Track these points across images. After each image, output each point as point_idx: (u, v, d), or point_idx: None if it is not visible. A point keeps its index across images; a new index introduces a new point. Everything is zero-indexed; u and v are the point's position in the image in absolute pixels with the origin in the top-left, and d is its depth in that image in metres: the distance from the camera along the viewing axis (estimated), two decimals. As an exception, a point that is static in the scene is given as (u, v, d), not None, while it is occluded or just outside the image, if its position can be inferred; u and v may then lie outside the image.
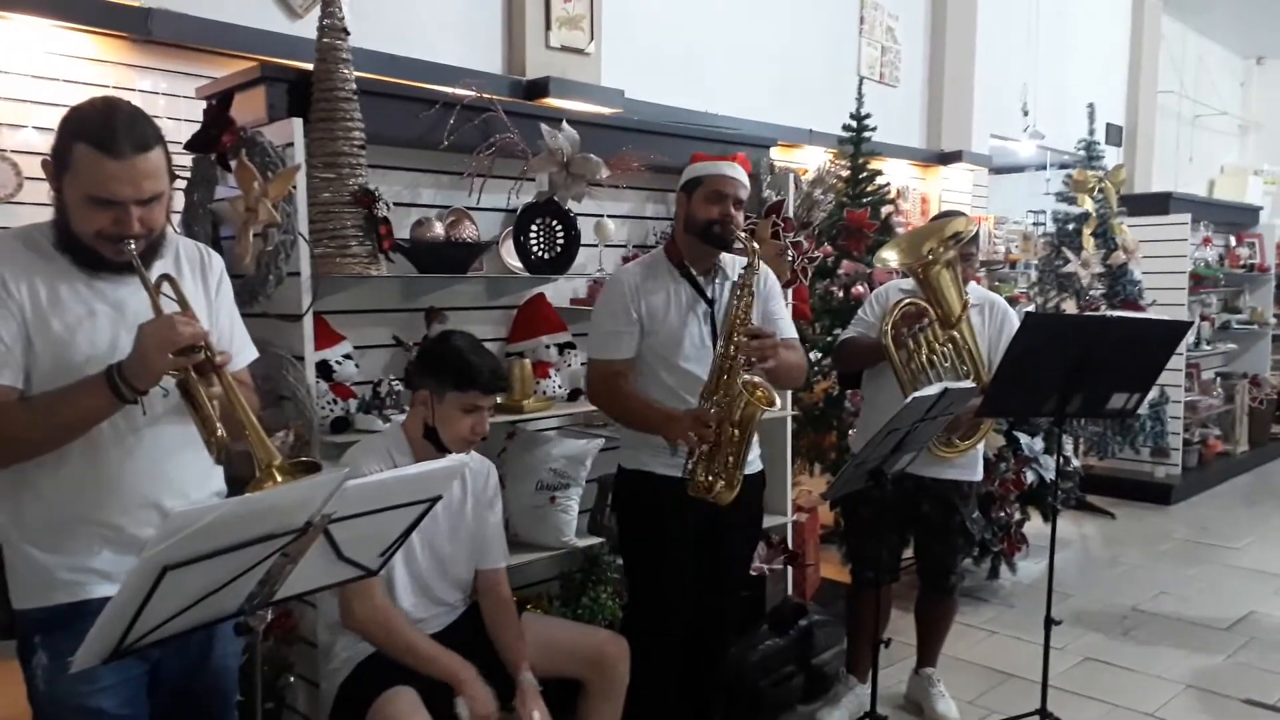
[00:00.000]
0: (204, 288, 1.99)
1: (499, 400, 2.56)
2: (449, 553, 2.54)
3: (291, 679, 2.75)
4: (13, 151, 3.24)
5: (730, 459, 2.60)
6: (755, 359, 2.57)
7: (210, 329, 1.86)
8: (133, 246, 1.75)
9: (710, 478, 2.61)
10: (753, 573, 3.72)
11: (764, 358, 2.57)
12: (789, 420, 3.92)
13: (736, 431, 2.58)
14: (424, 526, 2.39)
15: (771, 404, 2.57)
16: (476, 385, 2.39)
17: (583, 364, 3.42)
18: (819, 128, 6.17)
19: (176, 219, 2.86)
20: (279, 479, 1.71)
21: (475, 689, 2.33)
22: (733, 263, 2.83)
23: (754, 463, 2.88)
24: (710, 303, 2.76)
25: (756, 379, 2.58)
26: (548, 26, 4.81)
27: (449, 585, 2.57)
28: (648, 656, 2.69)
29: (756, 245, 2.67)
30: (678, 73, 5.57)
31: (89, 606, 1.70)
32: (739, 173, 2.77)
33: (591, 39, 4.95)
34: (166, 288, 1.83)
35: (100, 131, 1.70)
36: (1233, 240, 8.24)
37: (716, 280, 2.79)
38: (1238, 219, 8.44)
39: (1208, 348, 7.58)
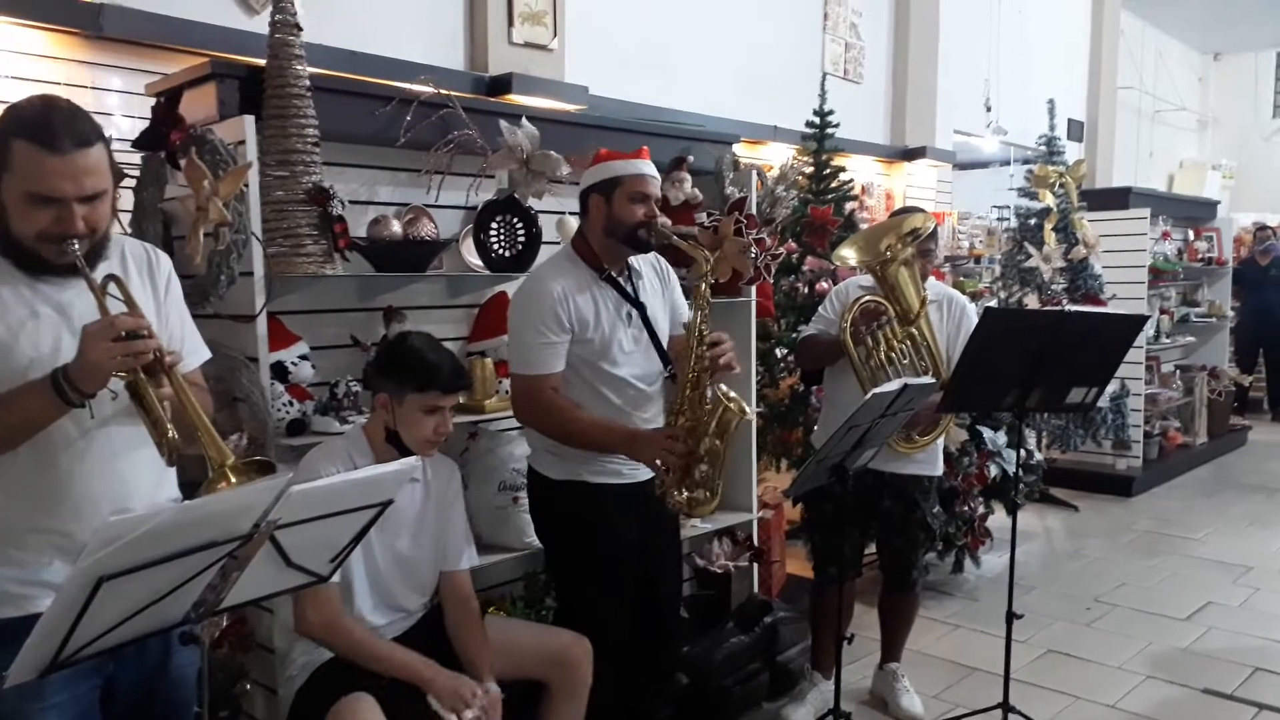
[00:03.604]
0: (152, 288, 1.96)
1: (460, 400, 2.53)
2: (411, 555, 2.50)
3: (248, 686, 2.71)
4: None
5: (710, 470, 2.54)
6: (722, 365, 2.52)
7: (159, 330, 1.82)
8: (76, 247, 1.72)
9: (687, 494, 2.54)
10: (718, 570, 3.72)
11: (729, 364, 2.53)
12: (754, 417, 3.92)
13: (718, 441, 2.54)
14: (385, 529, 2.39)
15: (744, 412, 2.55)
16: (436, 385, 2.36)
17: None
18: (783, 124, 6.18)
19: (126, 219, 2.81)
20: (232, 479, 1.69)
21: (442, 681, 2.30)
22: (640, 260, 2.77)
23: None
24: (639, 306, 2.67)
25: (725, 389, 2.55)
26: (510, 22, 4.77)
27: (410, 590, 2.53)
28: (598, 660, 2.64)
29: (709, 254, 2.62)
30: (642, 69, 5.55)
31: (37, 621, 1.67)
32: (654, 169, 2.68)
33: (555, 35, 4.92)
34: (113, 288, 1.79)
35: (39, 127, 1.67)
36: (1191, 234, 8.37)
37: (633, 280, 2.71)
38: (1196, 213, 8.57)
39: (1167, 341, 7.69)
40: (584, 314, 2.59)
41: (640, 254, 2.70)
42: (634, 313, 2.67)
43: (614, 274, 2.66)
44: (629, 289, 2.68)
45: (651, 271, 2.80)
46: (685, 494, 2.55)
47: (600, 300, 2.63)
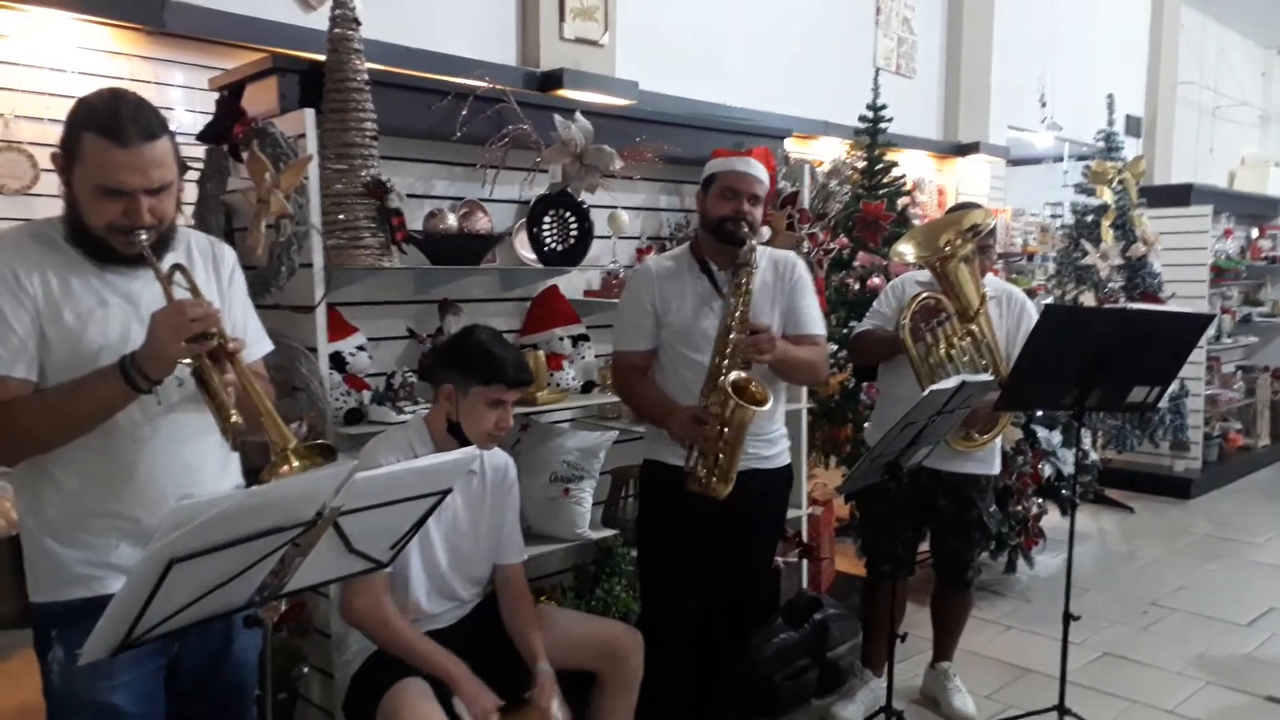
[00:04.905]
0: (216, 280, 1.99)
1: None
2: (468, 547, 2.53)
3: (305, 670, 2.75)
4: (29, 144, 3.25)
5: (721, 457, 2.60)
6: (752, 355, 2.56)
7: (223, 320, 1.85)
8: (144, 237, 1.75)
9: (704, 472, 2.62)
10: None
11: (760, 352, 2.56)
12: (804, 413, 3.90)
13: (727, 430, 2.57)
14: (442, 520, 2.42)
15: (760, 403, 2.54)
16: (501, 379, 2.38)
17: (596, 356, 3.42)
18: (835, 119, 6.14)
19: (189, 211, 2.86)
20: (294, 462, 1.71)
21: (469, 688, 2.30)
22: (762, 256, 2.80)
23: (779, 456, 2.88)
24: (724, 298, 2.73)
25: (746, 375, 2.57)
26: (562, 18, 4.79)
27: (465, 580, 2.56)
28: (658, 648, 2.68)
29: (753, 242, 2.66)
30: (692, 64, 5.54)
31: (105, 602, 1.71)
32: (753, 168, 2.74)
33: (605, 30, 4.93)
34: (179, 278, 1.82)
35: (107, 121, 1.70)
36: (1254, 232, 8.15)
37: (737, 275, 2.74)
38: (1259, 210, 8.35)
39: (1228, 341, 7.50)
40: (668, 298, 2.76)
41: (733, 246, 2.69)
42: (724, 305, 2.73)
43: (713, 267, 2.74)
44: (724, 283, 2.74)
45: (772, 270, 2.81)
46: (703, 470, 2.62)
47: (691, 288, 2.76)
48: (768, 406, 2.56)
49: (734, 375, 2.56)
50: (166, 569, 1.35)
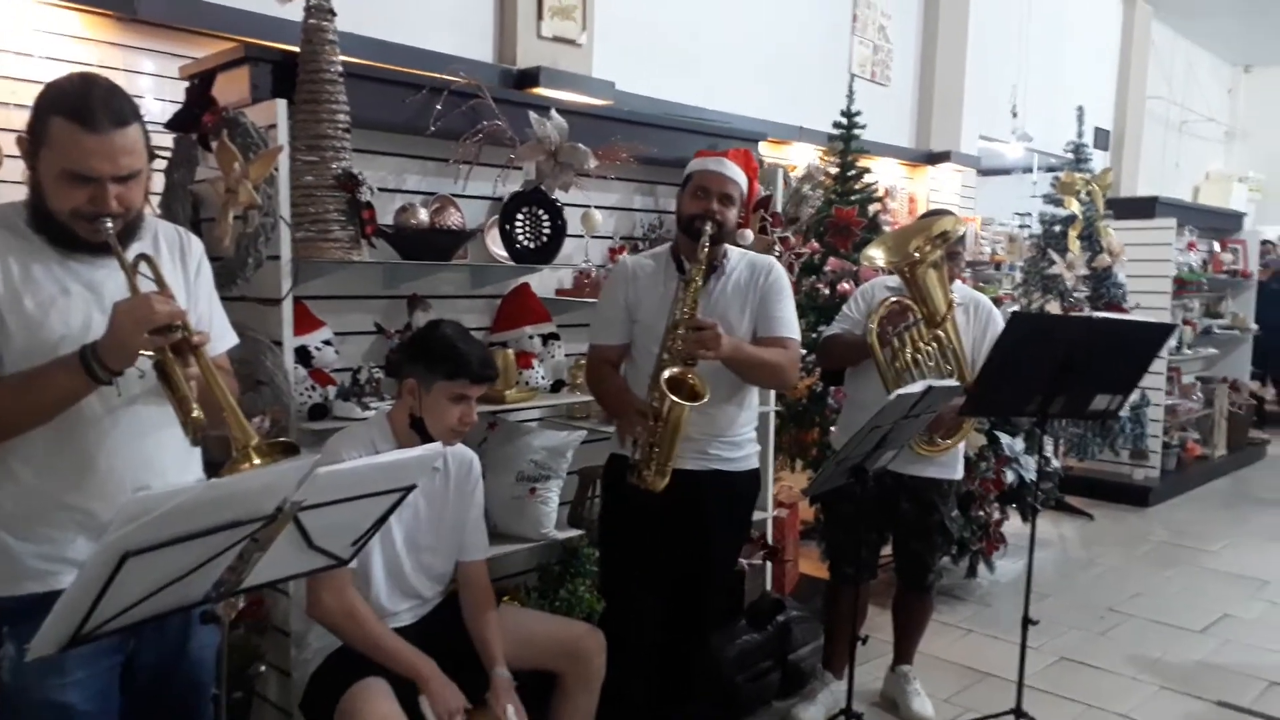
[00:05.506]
0: (183, 271, 1.96)
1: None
2: (430, 544, 2.52)
3: (263, 668, 2.72)
4: (-7, 128, 3.20)
5: (658, 450, 2.60)
6: (696, 351, 2.55)
7: (188, 311, 1.83)
8: (109, 226, 1.72)
9: (643, 466, 2.62)
10: (731, 568, 3.72)
11: (705, 348, 2.55)
12: (772, 416, 3.92)
13: (663, 424, 2.58)
14: (404, 517, 2.40)
15: (695, 398, 2.54)
16: (466, 374, 2.37)
17: (566, 355, 3.42)
18: (809, 124, 6.15)
19: (156, 200, 2.82)
20: (256, 460, 1.69)
21: (437, 686, 2.30)
22: (740, 259, 2.83)
23: (746, 460, 2.88)
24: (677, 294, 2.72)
25: (683, 371, 2.56)
26: (539, 16, 4.77)
27: (426, 577, 2.55)
28: (621, 648, 2.68)
29: (707, 244, 2.64)
30: (669, 66, 5.54)
31: (59, 597, 1.69)
32: (726, 168, 2.74)
33: (583, 30, 4.92)
34: (144, 268, 1.79)
35: (77, 105, 1.67)
36: (1216, 246, 8.29)
37: (713, 277, 2.76)
38: (1222, 225, 8.50)
39: (1189, 352, 7.62)
40: (640, 294, 2.79)
41: (696, 241, 2.68)
42: None
43: (688, 267, 2.71)
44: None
45: (748, 272, 2.81)
46: (643, 466, 2.62)
47: (664, 286, 2.76)
48: (702, 402, 2.54)
49: (668, 371, 2.56)
50: (120, 562, 1.32)
